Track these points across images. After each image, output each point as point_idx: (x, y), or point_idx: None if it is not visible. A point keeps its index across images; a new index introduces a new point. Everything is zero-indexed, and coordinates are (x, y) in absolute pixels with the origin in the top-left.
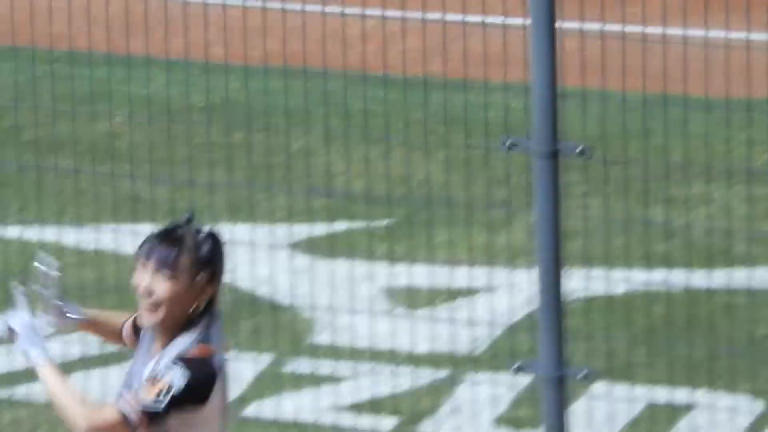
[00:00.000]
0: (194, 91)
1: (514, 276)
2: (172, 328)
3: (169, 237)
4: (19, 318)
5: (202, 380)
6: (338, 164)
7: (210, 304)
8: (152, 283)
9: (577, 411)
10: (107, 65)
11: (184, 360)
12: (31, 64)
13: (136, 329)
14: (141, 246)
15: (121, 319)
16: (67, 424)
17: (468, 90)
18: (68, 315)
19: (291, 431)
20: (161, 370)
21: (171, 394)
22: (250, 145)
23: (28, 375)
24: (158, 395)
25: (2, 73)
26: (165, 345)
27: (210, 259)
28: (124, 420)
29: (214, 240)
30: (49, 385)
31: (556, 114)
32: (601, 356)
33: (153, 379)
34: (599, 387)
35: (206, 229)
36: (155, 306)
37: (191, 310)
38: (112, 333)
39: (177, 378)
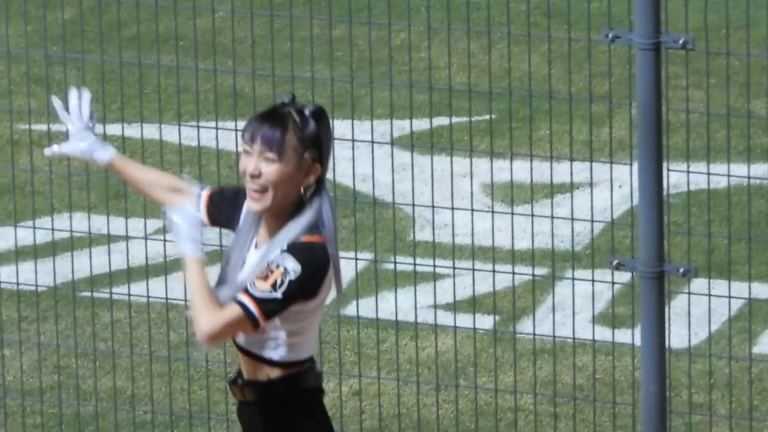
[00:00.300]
0: None
1: (615, 171)
2: (280, 214)
3: (272, 117)
4: (181, 211)
5: (314, 271)
6: (440, 59)
7: (318, 187)
8: (259, 166)
9: (676, 308)
10: None
11: (296, 249)
12: None
13: (212, 208)
14: (245, 130)
15: (165, 179)
16: (193, 327)
17: None
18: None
19: (389, 330)
20: (274, 260)
21: (285, 285)
22: (351, 39)
23: (126, 275)
24: (273, 287)
25: None
26: (274, 233)
27: (316, 137)
28: (247, 316)
29: (319, 117)
30: (191, 284)
31: (658, 5)
32: (702, 252)
33: (267, 270)
34: (699, 283)
35: (310, 107)
36: (263, 189)
37: (299, 193)
38: (145, 183)
39: (291, 268)
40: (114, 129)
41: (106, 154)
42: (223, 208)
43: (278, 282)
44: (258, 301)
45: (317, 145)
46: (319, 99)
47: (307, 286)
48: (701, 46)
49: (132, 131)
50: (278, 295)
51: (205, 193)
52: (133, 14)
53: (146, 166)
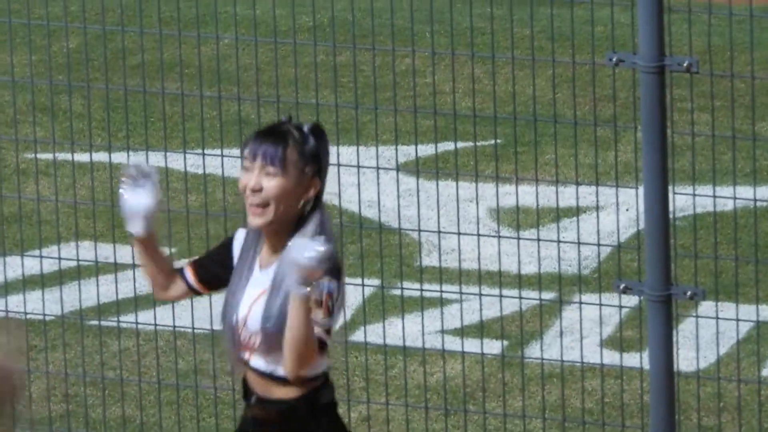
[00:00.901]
0: (301, 11)
1: (620, 194)
2: (281, 230)
3: (273, 133)
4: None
5: (341, 277)
6: (445, 84)
7: (317, 202)
8: (260, 181)
9: (685, 331)
10: None
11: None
12: None
13: (201, 273)
14: (245, 146)
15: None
16: (289, 365)
17: (575, 5)
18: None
19: (398, 356)
20: (319, 284)
21: (333, 304)
22: (356, 65)
23: (134, 303)
24: (329, 311)
25: None
26: (278, 249)
27: (316, 152)
28: (321, 345)
29: (318, 133)
30: (301, 322)
31: (662, 28)
32: (709, 275)
33: (313, 295)
34: (706, 306)
35: (308, 124)
36: (264, 204)
37: (299, 209)
38: (160, 265)
39: (332, 288)
40: (119, 157)
41: (139, 228)
42: (212, 267)
43: (330, 307)
44: (327, 331)
45: (317, 160)
46: (324, 125)
47: (342, 294)
48: (705, 69)
49: (137, 158)
50: (332, 319)
51: (188, 267)
52: (138, 43)
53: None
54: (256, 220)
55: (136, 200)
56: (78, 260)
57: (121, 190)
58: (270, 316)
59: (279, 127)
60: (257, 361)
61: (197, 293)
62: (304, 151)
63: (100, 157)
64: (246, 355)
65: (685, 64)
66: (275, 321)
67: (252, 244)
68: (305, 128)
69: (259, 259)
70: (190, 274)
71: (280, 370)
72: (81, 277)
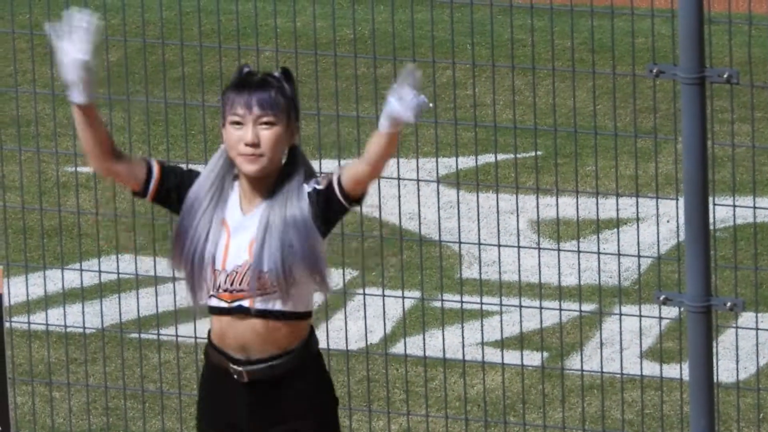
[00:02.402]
0: (341, 23)
1: (661, 206)
2: (269, 176)
3: (257, 83)
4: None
5: None
6: (485, 96)
7: (295, 145)
8: (256, 133)
9: (725, 342)
10: None
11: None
12: (178, 0)
13: (163, 181)
14: (230, 103)
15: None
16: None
17: (615, 17)
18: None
19: (438, 368)
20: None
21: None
22: (396, 78)
23: (174, 316)
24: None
25: (149, 9)
26: (265, 194)
27: (294, 96)
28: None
29: (290, 77)
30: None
31: (702, 40)
32: (749, 286)
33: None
34: (746, 317)
35: (277, 70)
36: (260, 154)
37: (285, 152)
38: (101, 135)
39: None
40: None
41: (80, 97)
42: (173, 182)
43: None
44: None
45: (296, 103)
46: (365, 137)
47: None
48: (746, 80)
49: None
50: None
51: (156, 164)
52: (179, 55)
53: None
54: (252, 166)
55: (71, 51)
56: (118, 273)
57: (55, 43)
58: (271, 258)
59: (258, 77)
60: (257, 303)
61: (141, 194)
62: (286, 95)
63: None
64: (242, 301)
65: (725, 76)
66: (276, 262)
67: (216, 193)
68: (277, 74)
69: (243, 204)
70: (156, 171)
71: (278, 305)
72: (121, 290)
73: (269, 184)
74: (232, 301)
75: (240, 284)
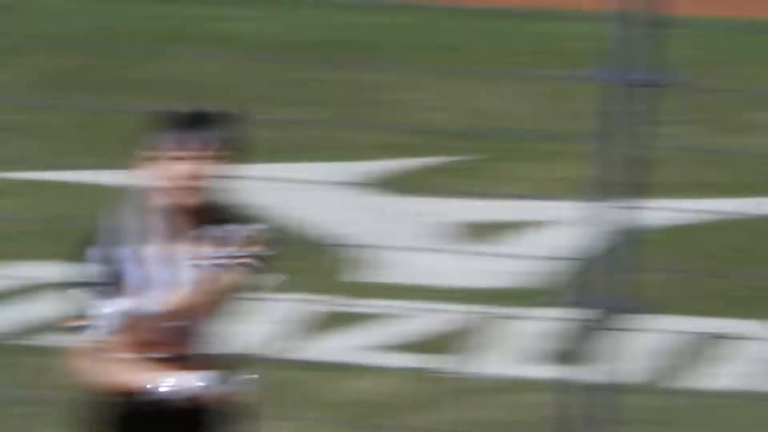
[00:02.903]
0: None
1: (568, 209)
2: (199, 210)
3: (196, 119)
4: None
5: None
6: (411, 99)
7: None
8: (197, 167)
9: (635, 345)
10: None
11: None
12: None
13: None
14: (165, 140)
15: None
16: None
17: (540, 19)
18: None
19: (313, 372)
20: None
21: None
22: (322, 83)
23: None
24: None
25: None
26: (191, 228)
27: (229, 133)
28: None
29: (224, 117)
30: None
31: (634, 43)
32: (675, 287)
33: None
34: (653, 320)
35: (210, 109)
36: (197, 189)
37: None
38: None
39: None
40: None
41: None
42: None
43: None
44: None
45: (228, 141)
46: (297, 141)
47: None
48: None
49: None
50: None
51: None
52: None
53: None
54: (190, 198)
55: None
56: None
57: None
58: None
59: (196, 114)
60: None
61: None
62: (221, 133)
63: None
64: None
65: (655, 78)
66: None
67: (140, 235)
68: (212, 111)
69: (170, 244)
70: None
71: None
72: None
73: (199, 218)
74: None
75: None
